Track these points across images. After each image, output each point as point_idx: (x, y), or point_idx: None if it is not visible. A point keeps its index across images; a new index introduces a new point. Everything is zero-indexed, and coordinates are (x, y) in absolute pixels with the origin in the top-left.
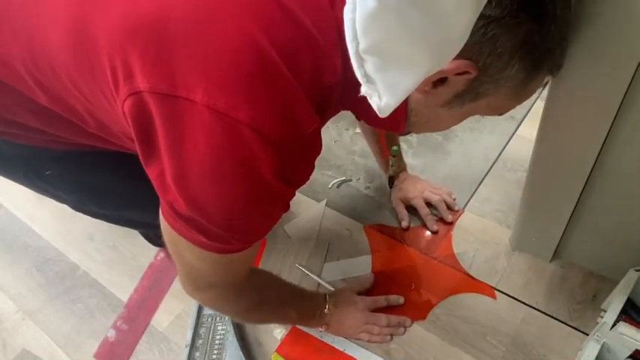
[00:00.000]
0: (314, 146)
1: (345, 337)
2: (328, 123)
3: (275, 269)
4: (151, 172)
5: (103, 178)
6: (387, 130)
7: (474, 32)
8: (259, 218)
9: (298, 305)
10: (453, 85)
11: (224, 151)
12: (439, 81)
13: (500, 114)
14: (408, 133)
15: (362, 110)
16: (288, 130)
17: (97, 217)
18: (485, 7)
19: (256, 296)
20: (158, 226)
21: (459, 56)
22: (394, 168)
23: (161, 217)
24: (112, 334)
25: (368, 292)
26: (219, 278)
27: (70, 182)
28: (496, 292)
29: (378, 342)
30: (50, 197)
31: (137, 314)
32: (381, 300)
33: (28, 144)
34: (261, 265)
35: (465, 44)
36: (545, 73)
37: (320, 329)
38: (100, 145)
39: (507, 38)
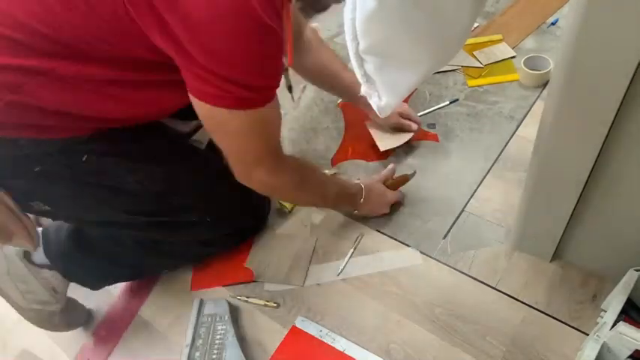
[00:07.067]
0: None
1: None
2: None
3: (264, 262)
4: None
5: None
6: None
7: None
8: (262, 55)
9: (337, 185)
10: None
11: None
12: None
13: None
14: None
15: None
16: None
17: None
18: None
19: (297, 173)
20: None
21: None
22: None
23: (199, 106)
24: (91, 340)
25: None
26: (261, 145)
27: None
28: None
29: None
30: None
31: (114, 321)
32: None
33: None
34: (249, 258)
35: None
36: None
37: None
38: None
39: None
